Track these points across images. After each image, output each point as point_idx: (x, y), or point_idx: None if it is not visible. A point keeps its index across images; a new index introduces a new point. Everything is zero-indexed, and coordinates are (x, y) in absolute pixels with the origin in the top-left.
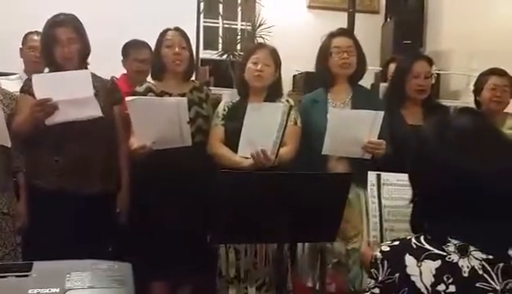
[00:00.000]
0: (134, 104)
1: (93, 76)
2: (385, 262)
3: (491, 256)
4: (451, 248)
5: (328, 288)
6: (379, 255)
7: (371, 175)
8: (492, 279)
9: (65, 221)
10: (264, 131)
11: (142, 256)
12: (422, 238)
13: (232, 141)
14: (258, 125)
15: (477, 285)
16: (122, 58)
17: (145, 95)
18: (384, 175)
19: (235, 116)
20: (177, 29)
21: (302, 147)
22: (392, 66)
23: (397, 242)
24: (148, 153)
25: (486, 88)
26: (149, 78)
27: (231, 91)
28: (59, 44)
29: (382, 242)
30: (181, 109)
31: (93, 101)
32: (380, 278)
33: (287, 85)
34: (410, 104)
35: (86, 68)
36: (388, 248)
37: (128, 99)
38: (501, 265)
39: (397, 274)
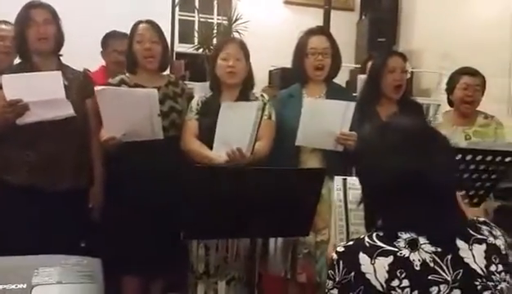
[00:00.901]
0: (104, 94)
1: (66, 67)
2: (341, 262)
3: (439, 249)
4: (402, 243)
5: (299, 278)
6: (334, 256)
7: (337, 180)
8: (443, 271)
9: (36, 217)
10: (239, 130)
11: (114, 250)
12: (374, 236)
13: (206, 136)
14: (233, 124)
15: (429, 277)
16: (101, 49)
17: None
18: (350, 180)
19: (209, 111)
20: (148, 22)
21: (276, 141)
22: (369, 64)
23: (351, 243)
24: (118, 145)
25: (458, 87)
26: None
27: (202, 85)
28: (34, 25)
29: None
30: (151, 101)
31: (64, 102)
32: (337, 279)
33: (263, 80)
34: (386, 101)
35: (59, 60)
36: (342, 249)
37: (97, 89)
38: (450, 256)
39: (352, 273)
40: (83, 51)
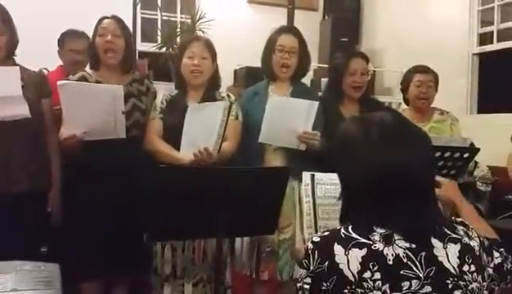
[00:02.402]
0: (66, 88)
1: (21, 68)
2: (316, 252)
3: (414, 245)
4: (377, 237)
5: (261, 276)
6: (310, 245)
7: (306, 175)
8: (416, 267)
9: None
10: (206, 131)
11: (74, 255)
12: (350, 228)
13: (170, 136)
14: (199, 126)
15: (401, 272)
16: (58, 48)
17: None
18: (318, 175)
19: (174, 110)
20: (113, 17)
21: (241, 139)
22: None
23: (326, 233)
24: (77, 144)
25: (412, 85)
26: (87, 69)
27: (167, 86)
28: None
29: None
30: (116, 98)
31: (21, 100)
32: (312, 268)
33: (228, 79)
34: (348, 100)
35: (14, 61)
36: (318, 239)
37: (59, 83)
38: (424, 253)
39: (326, 263)
40: (42, 52)
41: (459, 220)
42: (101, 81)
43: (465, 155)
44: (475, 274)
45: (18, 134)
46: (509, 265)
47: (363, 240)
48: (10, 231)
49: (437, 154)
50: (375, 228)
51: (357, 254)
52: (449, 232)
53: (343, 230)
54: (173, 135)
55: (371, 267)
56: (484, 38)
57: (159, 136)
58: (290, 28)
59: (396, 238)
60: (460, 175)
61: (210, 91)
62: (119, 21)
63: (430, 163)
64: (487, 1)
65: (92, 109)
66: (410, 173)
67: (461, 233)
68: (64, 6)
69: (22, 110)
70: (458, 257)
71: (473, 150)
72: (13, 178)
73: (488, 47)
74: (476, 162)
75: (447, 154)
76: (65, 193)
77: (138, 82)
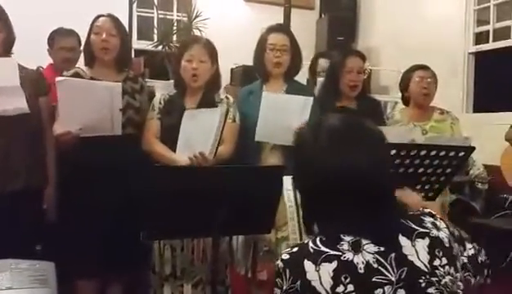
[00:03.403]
0: (64, 85)
1: (18, 66)
2: (287, 271)
3: (382, 248)
4: (345, 246)
5: (259, 276)
6: (280, 264)
7: (287, 180)
8: (387, 271)
9: None
10: (202, 137)
11: (69, 253)
12: (318, 241)
13: (167, 136)
14: (196, 131)
15: (373, 279)
16: (47, 47)
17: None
18: None
19: (172, 110)
20: (108, 16)
21: (237, 140)
22: (321, 61)
23: (295, 249)
24: (72, 140)
25: (413, 82)
26: (80, 65)
27: (163, 84)
28: None
29: None
30: (114, 95)
31: (19, 92)
32: (285, 287)
33: (225, 78)
34: (345, 98)
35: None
36: (287, 256)
37: (58, 79)
38: (393, 254)
39: (298, 282)
40: (36, 51)
41: (426, 210)
42: (95, 78)
43: (461, 154)
44: (447, 267)
45: (16, 130)
46: (484, 258)
47: (332, 252)
48: (5, 229)
49: (433, 153)
50: (342, 236)
51: (327, 268)
52: (416, 226)
53: (311, 244)
54: (170, 136)
55: (343, 280)
56: (480, 37)
57: (157, 137)
58: (280, 27)
59: (364, 243)
60: (455, 173)
61: (209, 93)
62: (114, 20)
63: (383, 161)
64: (483, 0)
65: (89, 106)
66: (361, 173)
67: (429, 225)
68: (60, 4)
69: (20, 103)
70: (428, 253)
71: (469, 149)
72: (11, 174)
73: (484, 46)
74: (473, 161)
75: (443, 153)
76: (60, 190)
77: (132, 80)
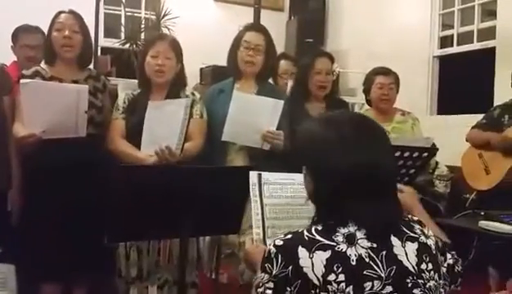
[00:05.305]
0: (28, 87)
1: None
2: (279, 256)
3: (375, 244)
4: (340, 238)
5: (220, 278)
6: (273, 249)
7: (253, 175)
8: (378, 267)
9: None
10: (167, 128)
11: (32, 256)
12: (313, 230)
13: (133, 136)
14: (161, 122)
15: (364, 273)
16: (11, 44)
17: (33, 79)
18: (265, 175)
19: (137, 109)
20: (71, 12)
21: (205, 141)
22: (282, 63)
23: (289, 236)
24: (36, 142)
25: (374, 87)
26: (42, 64)
27: (131, 82)
28: None
29: (264, 239)
30: (81, 97)
31: None
32: (274, 272)
33: (194, 77)
34: (314, 99)
35: None
36: (281, 242)
37: (22, 81)
38: (384, 252)
39: (290, 267)
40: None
41: (415, 218)
42: (56, 76)
43: (424, 155)
44: (432, 272)
45: None
46: (460, 268)
47: (327, 242)
48: None
49: (397, 154)
50: (338, 228)
51: (321, 256)
52: (407, 230)
53: (306, 233)
54: (136, 135)
55: (335, 269)
56: (445, 41)
57: (123, 137)
58: (258, 26)
59: (358, 237)
60: (419, 174)
61: (174, 91)
62: (76, 16)
63: (396, 163)
64: (448, 4)
65: (53, 108)
66: (382, 173)
67: (418, 231)
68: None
69: None
70: (416, 256)
71: (432, 150)
72: None
73: (449, 50)
74: (437, 162)
75: (407, 154)
76: (23, 192)
77: (94, 78)
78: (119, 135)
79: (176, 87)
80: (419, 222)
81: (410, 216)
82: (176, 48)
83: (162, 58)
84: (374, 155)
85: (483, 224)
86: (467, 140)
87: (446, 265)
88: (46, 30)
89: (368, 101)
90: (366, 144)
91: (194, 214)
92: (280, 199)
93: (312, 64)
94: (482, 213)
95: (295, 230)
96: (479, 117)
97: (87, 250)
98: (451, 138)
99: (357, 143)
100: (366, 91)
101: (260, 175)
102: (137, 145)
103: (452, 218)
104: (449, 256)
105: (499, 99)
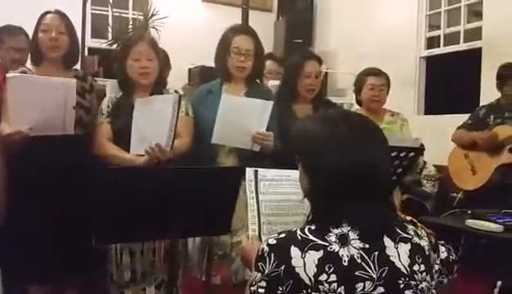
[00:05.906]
0: (15, 82)
1: None
2: (272, 255)
3: (367, 245)
4: (333, 238)
5: (213, 280)
6: (266, 248)
7: (249, 171)
8: (370, 267)
9: None
10: (156, 125)
11: (19, 258)
12: (306, 230)
13: (120, 138)
14: (149, 120)
15: (356, 273)
16: None
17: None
18: (261, 171)
19: (121, 112)
20: (57, 12)
21: (193, 139)
22: (269, 63)
23: (283, 235)
24: (23, 140)
25: (365, 88)
26: (28, 65)
27: (113, 82)
28: None
29: (260, 235)
30: (69, 92)
31: None
32: (267, 271)
33: (182, 78)
34: (301, 101)
35: None
36: (274, 241)
37: (8, 75)
38: (377, 253)
39: (282, 267)
40: None
41: (408, 218)
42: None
43: (411, 154)
44: (424, 274)
45: None
46: (454, 256)
47: (320, 242)
48: None
49: None
50: (331, 228)
51: (313, 256)
52: (400, 231)
53: (299, 232)
54: (123, 137)
55: (327, 269)
56: (432, 42)
57: (109, 140)
58: (246, 29)
59: (351, 237)
60: (406, 173)
61: (157, 90)
62: (62, 16)
63: (389, 160)
64: (435, 5)
65: (41, 103)
66: (379, 173)
67: (411, 232)
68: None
69: None
70: (409, 257)
71: (419, 150)
72: None
73: (435, 51)
74: (425, 162)
75: (394, 154)
76: (9, 191)
77: (81, 79)
78: (106, 139)
79: (159, 87)
80: (413, 222)
81: (403, 217)
82: (155, 47)
83: (144, 60)
84: (372, 155)
85: (470, 222)
86: (453, 141)
87: (439, 261)
88: (31, 30)
89: (358, 101)
90: (365, 144)
91: (183, 215)
92: (276, 196)
93: (301, 67)
94: (469, 212)
95: (289, 229)
96: (466, 117)
97: (76, 251)
98: (439, 138)
99: (355, 142)
100: (357, 92)
101: (257, 171)
102: (125, 148)
103: (440, 217)
104: (442, 249)
105: (485, 99)
